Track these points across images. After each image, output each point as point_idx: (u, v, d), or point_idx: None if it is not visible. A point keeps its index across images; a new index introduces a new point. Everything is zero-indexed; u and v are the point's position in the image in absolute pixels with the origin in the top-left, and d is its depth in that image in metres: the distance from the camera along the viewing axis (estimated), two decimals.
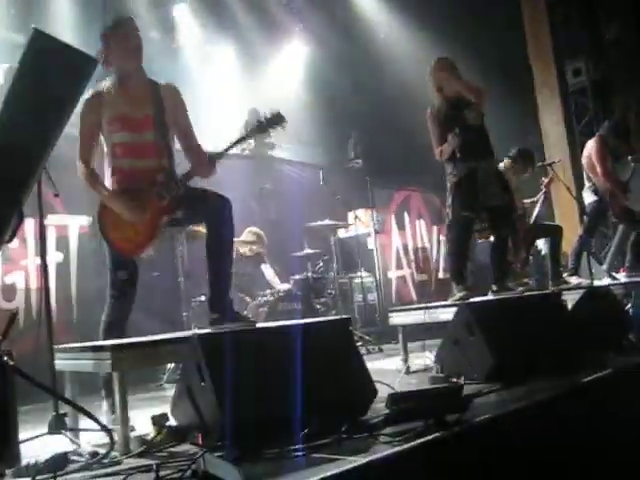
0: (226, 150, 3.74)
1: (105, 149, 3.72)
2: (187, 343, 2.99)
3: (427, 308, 4.80)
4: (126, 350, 2.99)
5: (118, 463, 2.64)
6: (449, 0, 8.86)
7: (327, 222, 7.58)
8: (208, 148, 3.87)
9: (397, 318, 4.96)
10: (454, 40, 8.16)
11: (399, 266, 9.51)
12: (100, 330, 3.67)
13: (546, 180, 7.25)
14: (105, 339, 3.57)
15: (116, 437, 2.83)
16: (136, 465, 2.53)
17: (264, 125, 3.73)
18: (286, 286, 7.18)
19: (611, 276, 6.81)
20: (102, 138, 3.70)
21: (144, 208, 3.60)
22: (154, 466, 2.34)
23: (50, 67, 2.55)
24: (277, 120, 3.74)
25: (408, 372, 4.64)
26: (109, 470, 2.55)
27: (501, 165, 6.43)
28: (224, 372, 2.71)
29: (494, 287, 5.26)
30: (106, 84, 3.71)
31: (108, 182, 3.70)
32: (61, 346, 3.32)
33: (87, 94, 3.61)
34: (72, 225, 6.24)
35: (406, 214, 9.88)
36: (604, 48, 9.52)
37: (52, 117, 2.68)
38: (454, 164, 5.19)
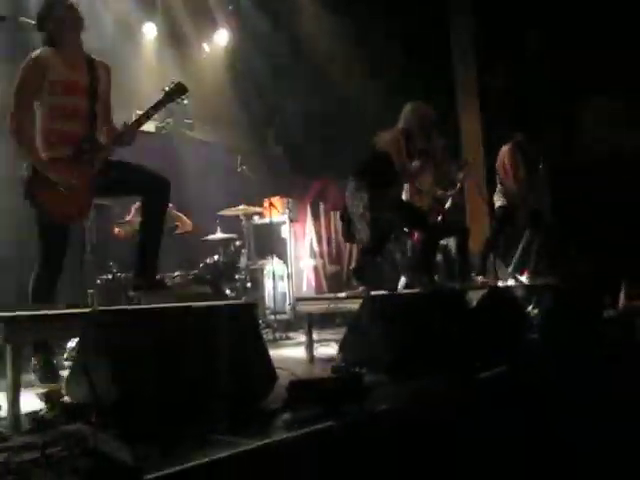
0: (143, 117, 3.93)
1: (38, 113, 3.79)
2: (86, 318, 2.92)
3: (333, 299, 4.84)
4: (21, 322, 2.87)
5: (4, 440, 2.54)
6: None
7: (241, 207, 7.53)
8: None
9: (304, 306, 4.99)
10: (375, 29, 8.25)
11: (312, 256, 9.53)
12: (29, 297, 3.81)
13: (461, 175, 7.31)
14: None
15: (3, 414, 2.73)
16: (23, 443, 2.44)
17: (170, 95, 3.92)
18: None
19: (515, 278, 7.02)
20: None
21: (77, 176, 3.73)
22: (41, 443, 2.26)
23: None
24: (182, 89, 3.94)
25: (312, 361, 4.67)
26: None
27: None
28: (121, 350, 2.66)
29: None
30: (46, 50, 3.82)
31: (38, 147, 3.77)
32: None
33: (35, 55, 3.76)
34: None
35: (322, 204, 9.90)
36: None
37: None
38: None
